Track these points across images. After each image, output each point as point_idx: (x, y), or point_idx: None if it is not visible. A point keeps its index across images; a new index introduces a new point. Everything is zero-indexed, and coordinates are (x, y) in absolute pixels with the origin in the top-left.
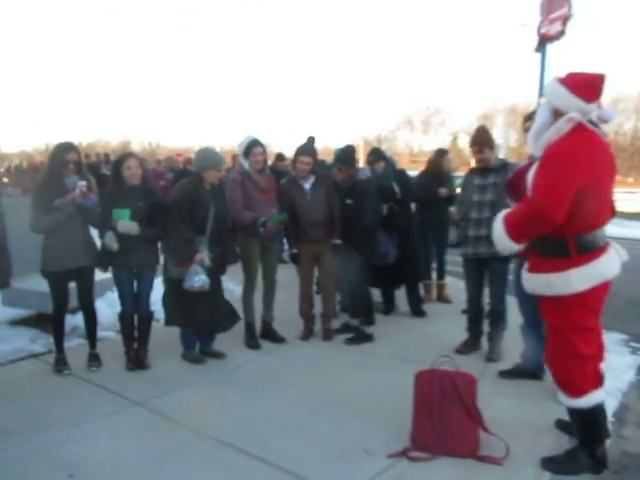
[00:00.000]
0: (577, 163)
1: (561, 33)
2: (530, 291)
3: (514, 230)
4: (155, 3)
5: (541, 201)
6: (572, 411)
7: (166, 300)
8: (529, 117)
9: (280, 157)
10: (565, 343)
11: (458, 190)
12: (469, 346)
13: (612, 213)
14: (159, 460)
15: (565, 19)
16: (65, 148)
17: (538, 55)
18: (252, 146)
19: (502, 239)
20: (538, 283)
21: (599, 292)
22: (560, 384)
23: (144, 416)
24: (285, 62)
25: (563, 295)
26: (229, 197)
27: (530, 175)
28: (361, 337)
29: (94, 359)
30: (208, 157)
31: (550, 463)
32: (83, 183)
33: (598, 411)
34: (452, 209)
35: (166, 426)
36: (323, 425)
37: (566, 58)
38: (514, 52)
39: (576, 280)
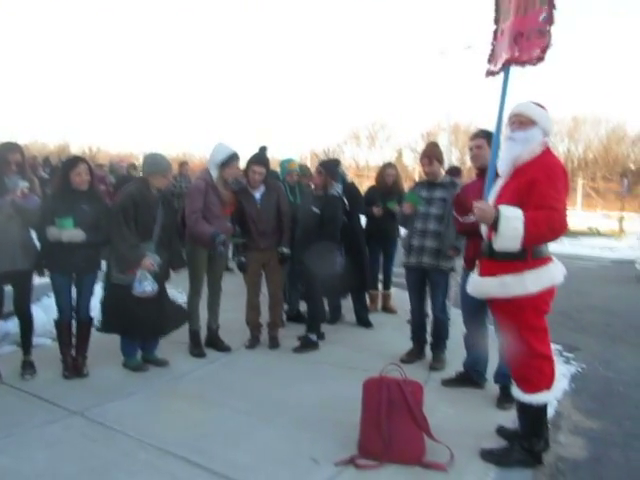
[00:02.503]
0: (564, 178)
1: (540, 59)
2: (482, 295)
3: (534, 236)
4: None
5: (563, 213)
6: (522, 405)
7: (105, 306)
8: (476, 136)
9: None
10: (521, 343)
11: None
12: (413, 355)
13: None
14: (98, 471)
15: (545, 48)
16: (9, 148)
17: (481, 77)
18: (233, 159)
19: (514, 240)
20: (492, 285)
21: (547, 296)
22: (517, 380)
23: (82, 426)
24: (234, 72)
25: (517, 296)
26: (189, 205)
27: (496, 190)
28: (307, 345)
29: (28, 367)
30: (155, 163)
31: (487, 454)
32: (25, 184)
33: (544, 409)
34: (403, 204)
35: (106, 436)
36: (270, 433)
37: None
38: (458, 73)
39: (530, 282)
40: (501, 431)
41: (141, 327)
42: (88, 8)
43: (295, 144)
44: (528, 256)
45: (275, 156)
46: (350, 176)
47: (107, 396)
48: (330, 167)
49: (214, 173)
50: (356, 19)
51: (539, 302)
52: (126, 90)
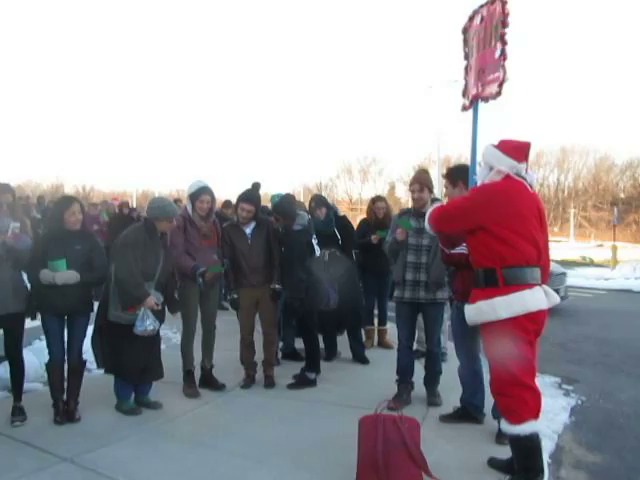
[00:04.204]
0: (490, 197)
1: (498, 94)
2: (469, 322)
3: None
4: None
5: (437, 212)
6: (511, 438)
7: (100, 346)
8: (448, 174)
9: (227, 204)
10: (503, 370)
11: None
12: (401, 401)
13: (545, 259)
14: None
15: (501, 82)
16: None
17: (468, 112)
18: (200, 193)
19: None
20: (473, 312)
21: (524, 323)
22: (502, 412)
23: (73, 473)
24: (228, 108)
25: (490, 322)
26: (171, 241)
27: None
28: (304, 382)
29: (18, 413)
30: (161, 207)
31: None
32: (17, 225)
33: (534, 440)
34: (395, 229)
35: None
36: (265, 476)
37: (495, 115)
38: (447, 107)
39: (500, 307)
40: (492, 462)
41: (130, 368)
42: (74, 26)
43: (288, 178)
44: (499, 282)
45: (268, 191)
46: (342, 210)
47: (99, 441)
48: (283, 211)
49: (189, 208)
50: (349, 53)
51: (516, 329)
52: (119, 128)
